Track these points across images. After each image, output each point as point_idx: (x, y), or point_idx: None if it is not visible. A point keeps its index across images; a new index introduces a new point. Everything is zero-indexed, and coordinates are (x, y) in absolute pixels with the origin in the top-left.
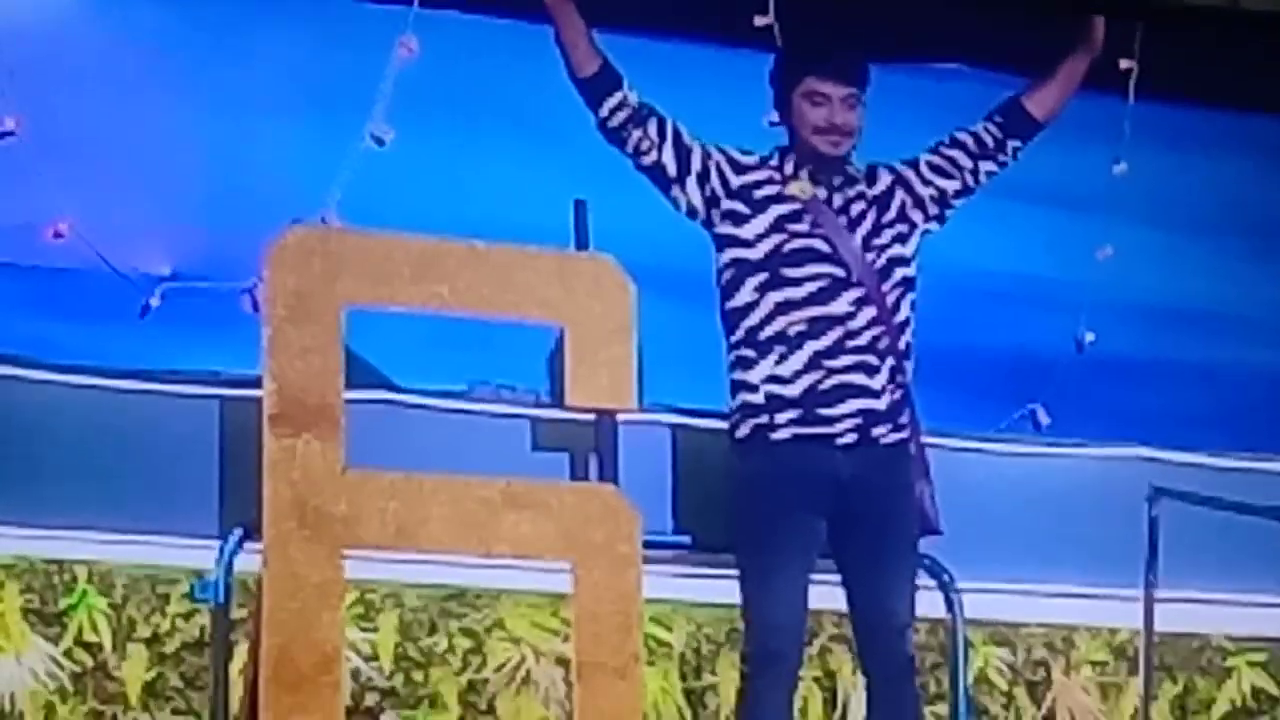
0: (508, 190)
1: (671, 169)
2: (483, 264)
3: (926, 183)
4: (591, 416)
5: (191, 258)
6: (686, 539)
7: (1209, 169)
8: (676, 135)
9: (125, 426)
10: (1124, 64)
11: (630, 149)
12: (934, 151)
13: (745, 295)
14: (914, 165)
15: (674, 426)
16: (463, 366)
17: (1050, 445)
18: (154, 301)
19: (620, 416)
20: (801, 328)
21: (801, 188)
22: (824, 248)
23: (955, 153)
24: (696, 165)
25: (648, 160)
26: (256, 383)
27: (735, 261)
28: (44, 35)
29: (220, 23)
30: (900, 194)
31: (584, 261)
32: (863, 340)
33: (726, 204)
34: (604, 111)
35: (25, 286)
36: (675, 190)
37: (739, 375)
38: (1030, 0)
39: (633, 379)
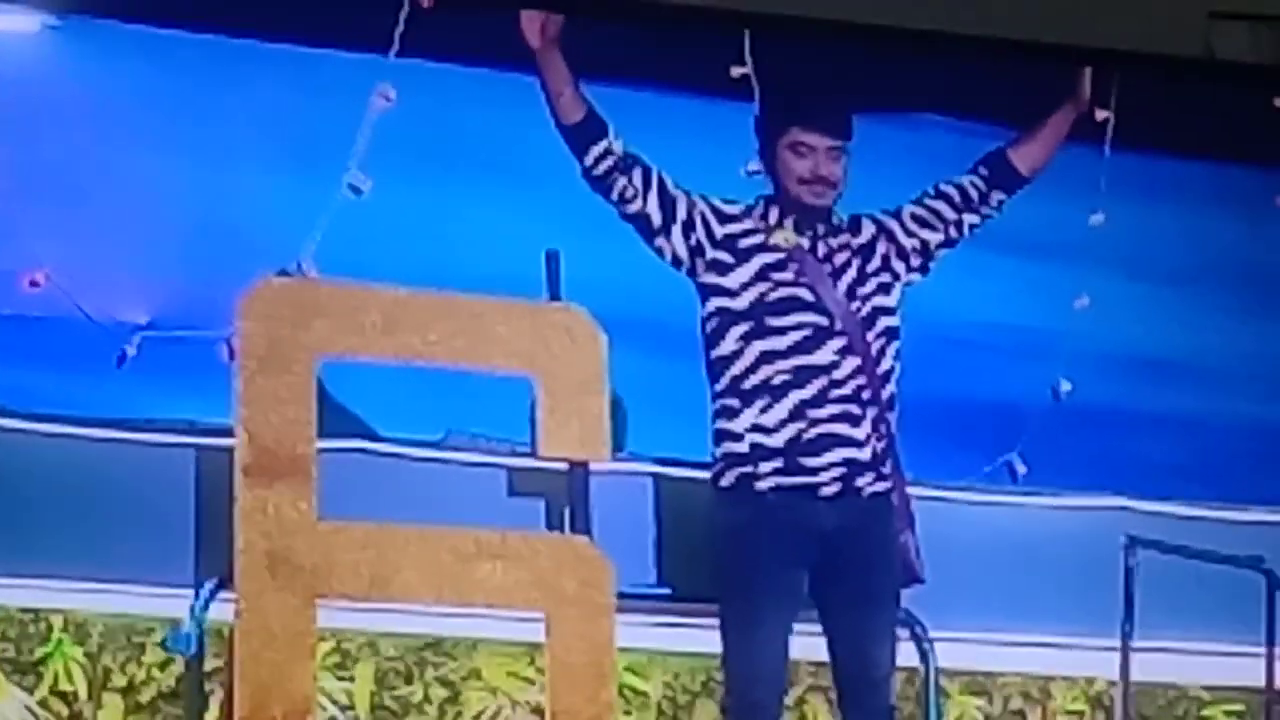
0: (485, 239)
1: (656, 219)
2: (455, 314)
3: (910, 234)
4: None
5: (169, 307)
6: (661, 589)
7: (1186, 220)
8: (661, 184)
9: (101, 476)
10: (1100, 115)
11: (615, 197)
12: (917, 203)
13: (729, 344)
14: (897, 216)
15: (651, 476)
16: (440, 415)
17: (1027, 495)
18: (131, 350)
19: (597, 466)
20: (786, 377)
21: (785, 236)
22: (808, 296)
23: (939, 204)
24: (681, 215)
25: (632, 209)
26: (231, 432)
27: (719, 311)
28: (19, 85)
29: (198, 72)
30: (884, 244)
31: (555, 312)
32: (847, 390)
33: (711, 253)
34: (589, 159)
35: (1, 335)
36: (660, 240)
37: (723, 424)
38: (1009, 51)
39: (605, 429)
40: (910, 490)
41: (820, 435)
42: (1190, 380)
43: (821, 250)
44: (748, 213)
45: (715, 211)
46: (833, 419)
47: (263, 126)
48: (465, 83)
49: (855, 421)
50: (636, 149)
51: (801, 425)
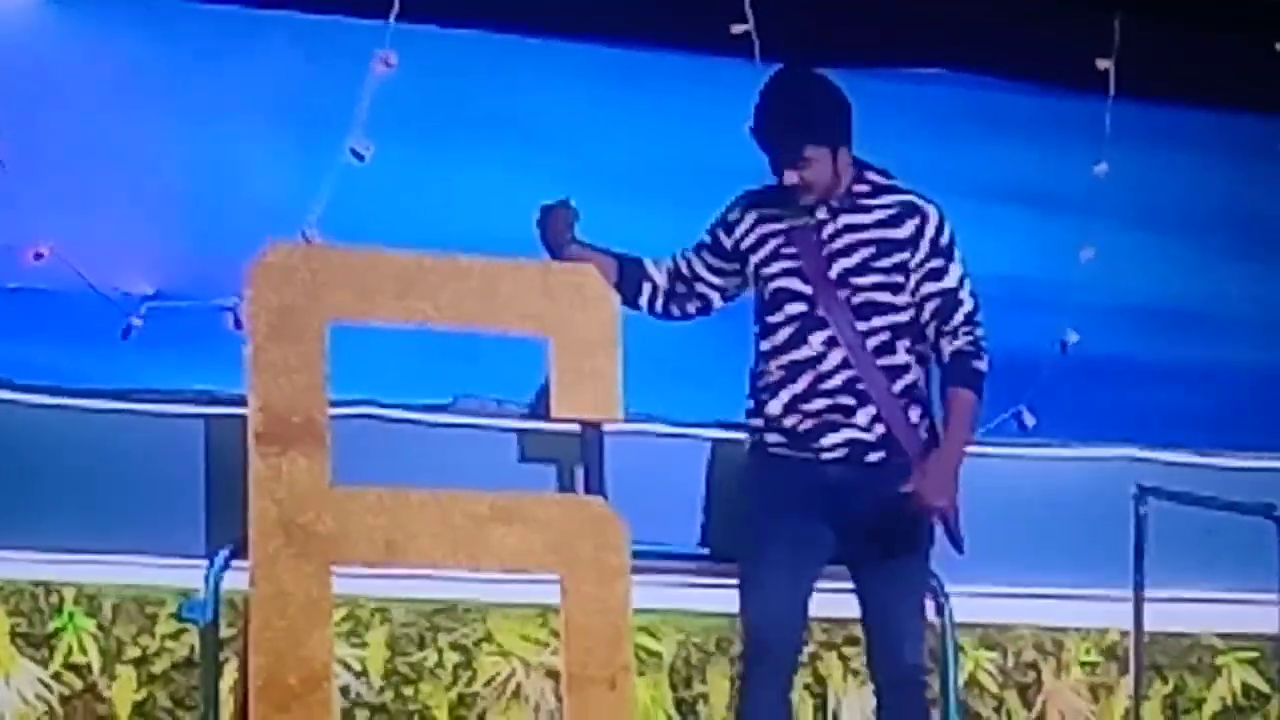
0: (490, 202)
1: (716, 299)
2: (465, 278)
3: (917, 287)
4: (577, 428)
5: (174, 277)
6: (675, 547)
7: (1190, 168)
8: (692, 272)
9: (110, 447)
10: (1102, 64)
11: (680, 316)
12: (936, 316)
13: (755, 346)
14: (934, 274)
15: (665, 436)
16: (450, 379)
17: (1036, 446)
18: (137, 321)
19: (610, 427)
20: (781, 373)
21: (793, 212)
22: (797, 286)
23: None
24: (713, 275)
25: (700, 311)
26: (241, 401)
27: (754, 314)
28: (21, 57)
29: (199, 41)
30: (908, 253)
31: (567, 273)
32: (836, 382)
33: (732, 268)
34: (644, 307)
35: (7, 308)
36: (723, 299)
37: (749, 407)
38: (1009, 4)
39: (618, 390)
40: None
41: (816, 425)
42: (1197, 329)
43: (828, 230)
44: (763, 195)
45: (713, 242)
46: (825, 411)
47: (265, 94)
48: (466, 45)
49: (849, 412)
50: (640, 109)
51: (796, 419)
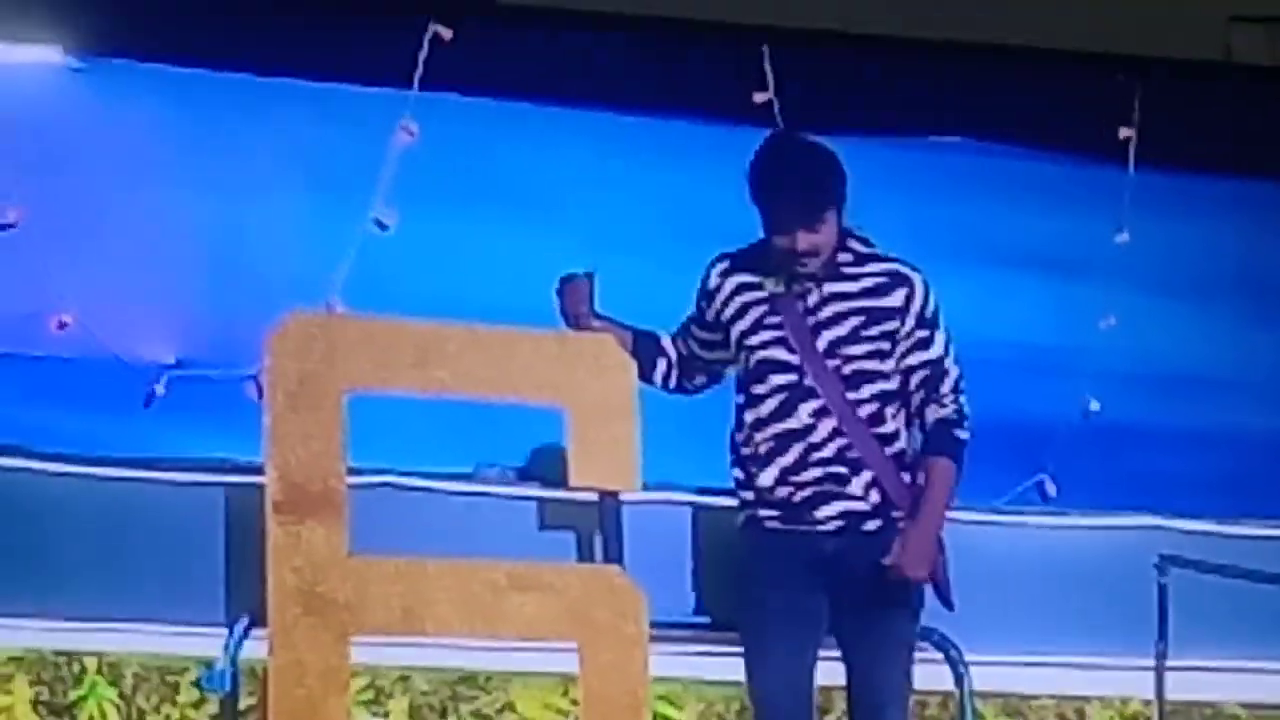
0: (511, 270)
1: (720, 368)
2: (483, 347)
3: (904, 356)
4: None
5: (196, 346)
6: (693, 618)
7: (1210, 235)
8: (688, 348)
9: (132, 516)
10: (1124, 133)
11: (693, 390)
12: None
13: (739, 415)
14: (922, 343)
15: (683, 505)
16: (469, 448)
17: (1058, 515)
18: (159, 390)
19: (628, 496)
20: (770, 444)
21: (776, 280)
22: (783, 356)
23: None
24: (706, 349)
25: (710, 383)
26: (261, 469)
27: (736, 383)
28: (45, 126)
29: (221, 110)
30: (896, 322)
31: (584, 342)
32: (827, 452)
33: (719, 339)
34: (658, 384)
35: (30, 377)
36: (725, 368)
37: (736, 478)
38: (1025, 62)
39: (635, 459)
40: None
41: (809, 496)
42: (1219, 396)
43: (814, 298)
44: (745, 256)
45: (699, 315)
46: (818, 481)
47: (287, 163)
48: (488, 115)
49: (842, 481)
50: (661, 178)
51: (789, 490)
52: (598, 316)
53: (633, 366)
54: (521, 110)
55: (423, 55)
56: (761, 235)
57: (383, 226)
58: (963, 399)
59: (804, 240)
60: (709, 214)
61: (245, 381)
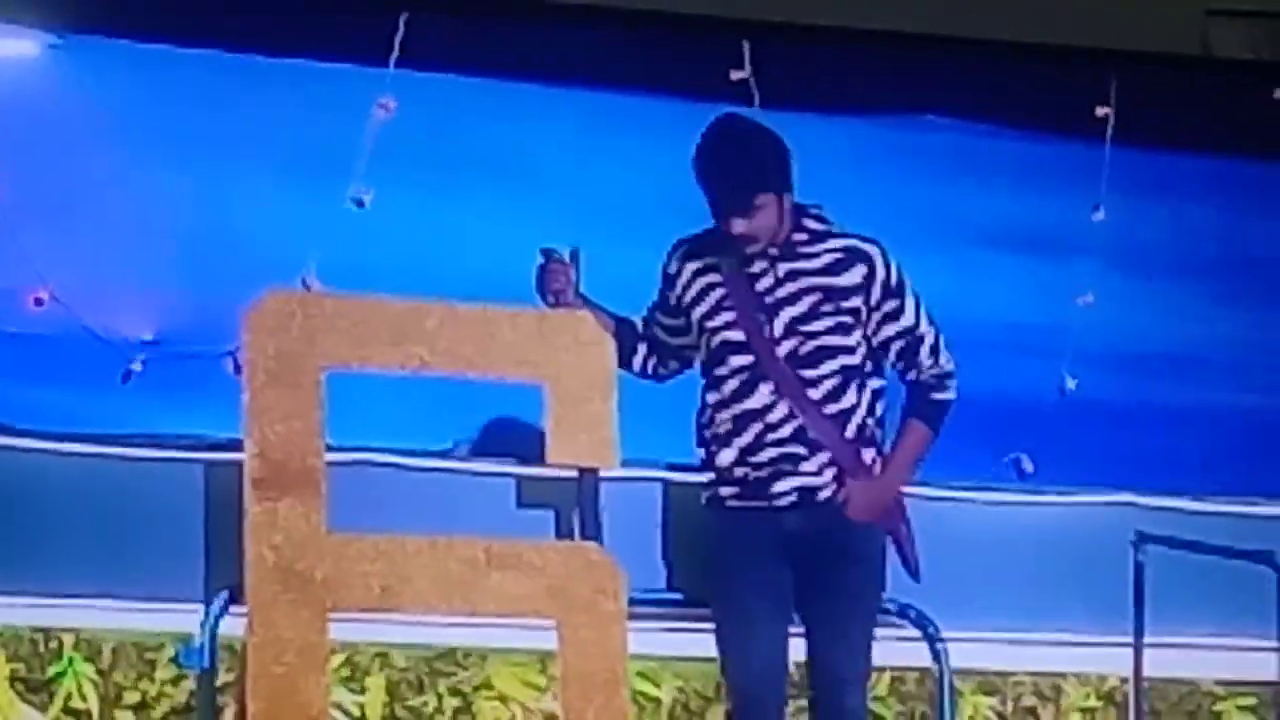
0: (489, 247)
1: (688, 354)
2: (461, 324)
3: (876, 330)
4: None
5: (173, 322)
6: (672, 594)
7: (1187, 214)
8: (653, 334)
9: (109, 492)
10: (1100, 111)
11: (667, 376)
12: (895, 340)
13: (701, 397)
14: (891, 315)
15: (660, 482)
16: (447, 426)
17: (1035, 493)
18: (136, 367)
19: (607, 472)
20: (729, 425)
21: (730, 262)
22: (739, 337)
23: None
24: (671, 335)
25: (682, 368)
26: (239, 446)
27: (700, 367)
28: (21, 103)
29: (198, 88)
30: (860, 299)
31: (563, 319)
32: (783, 432)
33: (681, 324)
34: (637, 371)
35: (6, 354)
36: (694, 353)
37: (701, 457)
38: (1009, 53)
39: (613, 436)
40: (917, 490)
41: (766, 475)
42: (1196, 374)
43: (770, 278)
44: (703, 239)
45: (661, 300)
46: (773, 461)
47: (264, 140)
48: (465, 91)
49: (798, 460)
50: (637, 156)
51: (746, 469)
52: (583, 300)
53: (611, 344)
54: (498, 87)
55: (400, 32)
56: None
57: (360, 204)
58: (943, 358)
59: (738, 225)
60: (686, 191)
61: (223, 358)
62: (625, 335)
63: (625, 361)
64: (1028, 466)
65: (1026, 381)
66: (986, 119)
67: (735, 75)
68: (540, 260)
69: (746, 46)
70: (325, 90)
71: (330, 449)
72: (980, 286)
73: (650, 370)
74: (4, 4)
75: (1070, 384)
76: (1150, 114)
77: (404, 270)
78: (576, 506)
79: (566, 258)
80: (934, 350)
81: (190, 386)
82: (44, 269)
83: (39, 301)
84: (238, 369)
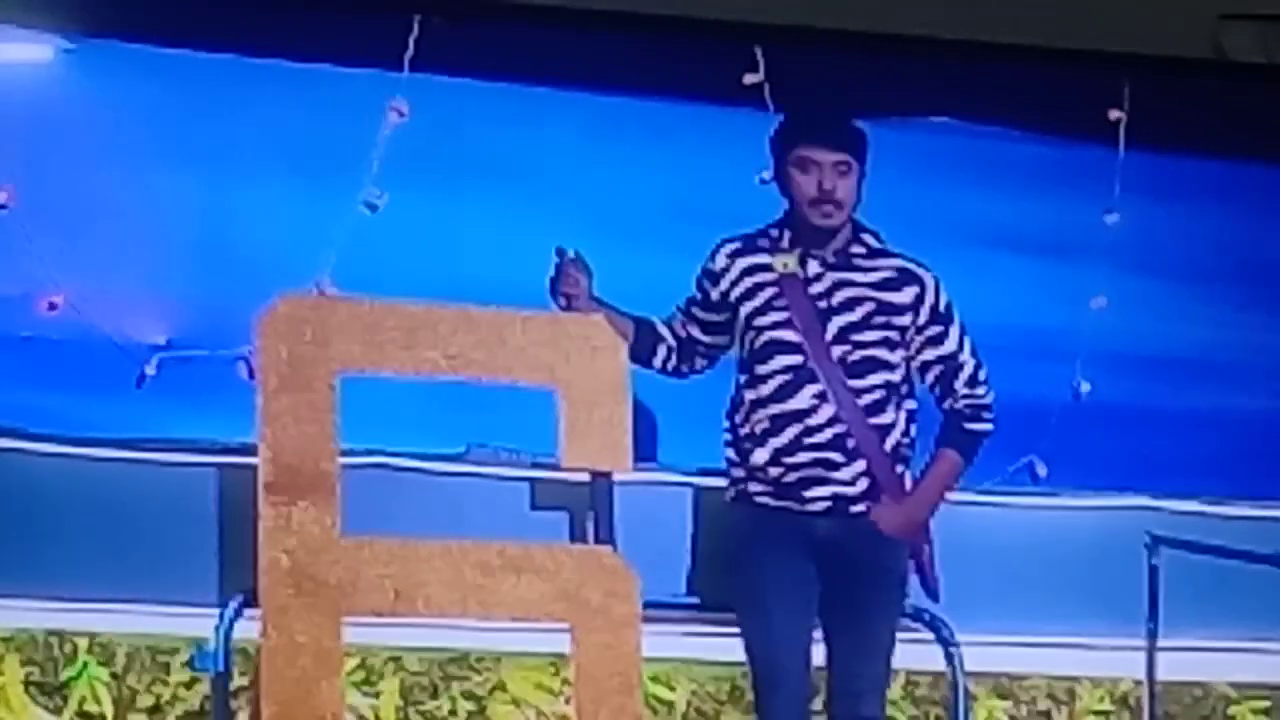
0: (502, 251)
1: (717, 353)
2: (475, 328)
3: (918, 352)
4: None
5: (187, 326)
6: (686, 598)
7: (1200, 217)
8: (687, 331)
9: (123, 496)
10: (1113, 115)
11: (690, 374)
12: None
13: (738, 395)
14: (935, 339)
15: (675, 485)
16: (461, 429)
17: (1048, 496)
18: (150, 371)
19: (621, 476)
20: (765, 425)
21: (785, 262)
22: (789, 337)
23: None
24: (707, 332)
25: (707, 367)
26: (253, 450)
27: (738, 364)
28: (34, 107)
29: (211, 92)
30: (909, 318)
31: (576, 323)
32: (823, 437)
33: (722, 320)
34: (657, 368)
35: (21, 358)
36: (722, 352)
37: (729, 457)
38: (1016, 55)
39: (627, 439)
40: None
41: (800, 479)
42: (1208, 377)
43: (824, 284)
44: (749, 244)
45: (702, 296)
46: (810, 464)
47: (277, 144)
48: (478, 95)
49: (834, 466)
50: (652, 160)
51: (780, 470)
52: (597, 301)
53: (624, 347)
54: (511, 91)
55: (413, 35)
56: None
57: (373, 208)
58: (980, 390)
59: (830, 175)
60: (700, 195)
61: (236, 362)
62: (644, 334)
63: (645, 360)
64: (1041, 470)
65: (1040, 385)
66: (999, 122)
67: (749, 79)
68: (555, 261)
69: (760, 51)
70: (338, 94)
71: (344, 453)
72: (993, 290)
73: (672, 368)
74: (17, 8)
75: (1084, 387)
76: (1163, 117)
77: (417, 274)
78: (590, 510)
79: (578, 261)
80: (971, 381)
81: (204, 390)
82: (57, 273)
83: (52, 306)
84: (251, 373)
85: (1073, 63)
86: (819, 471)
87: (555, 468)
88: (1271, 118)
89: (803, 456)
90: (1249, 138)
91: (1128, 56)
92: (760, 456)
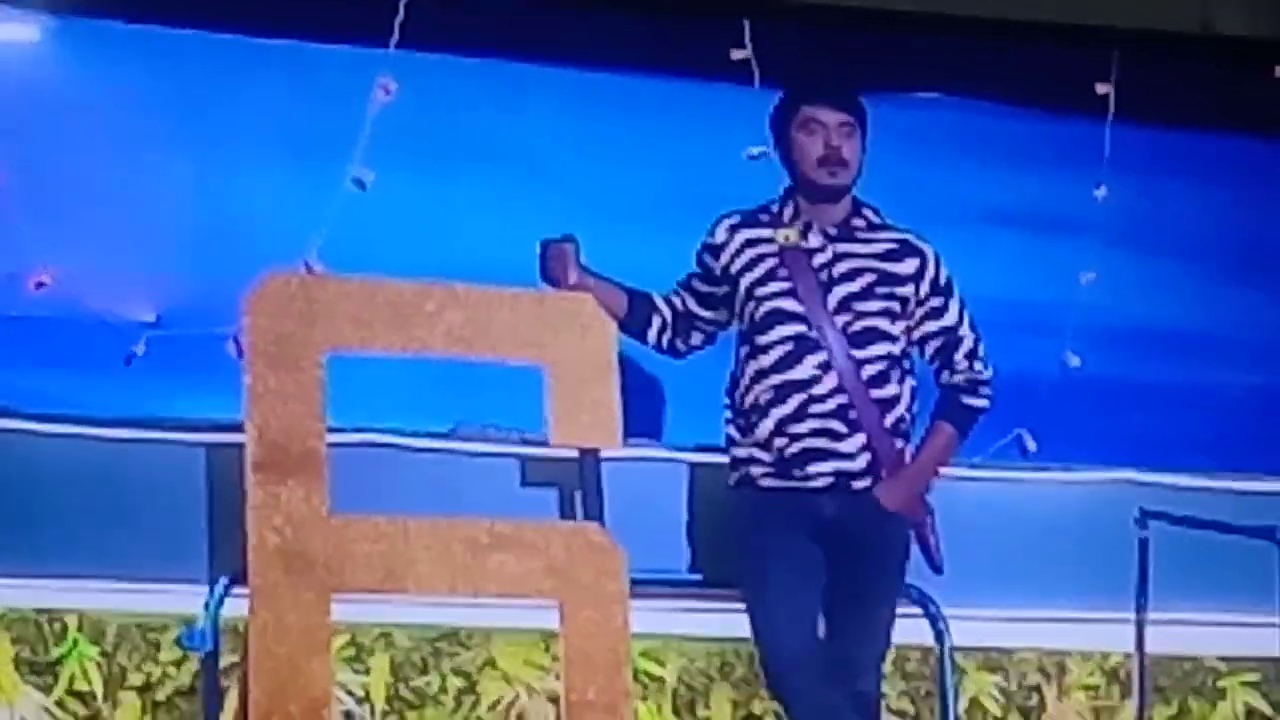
0: (490, 229)
1: (716, 329)
2: (462, 306)
3: (918, 324)
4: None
5: (175, 305)
6: (675, 574)
7: (1189, 191)
8: (686, 306)
9: (112, 475)
10: (1101, 89)
11: (686, 351)
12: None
13: (739, 368)
14: (935, 312)
15: (664, 461)
16: (449, 407)
17: (1037, 470)
18: (138, 349)
19: (609, 453)
20: (769, 395)
21: (787, 235)
22: (791, 307)
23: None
24: (707, 307)
25: (705, 343)
26: (241, 429)
27: (739, 337)
28: (23, 87)
29: (198, 70)
30: (910, 289)
31: (564, 301)
32: (828, 406)
33: (723, 293)
34: (651, 343)
35: (9, 337)
36: (722, 328)
37: (730, 435)
38: (1009, 30)
39: (616, 417)
40: None
41: (803, 450)
42: (1198, 351)
43: (827, 254)
44: (754, 215)
45: (702, 274)
46: (813, 434)
47: (264, 122)
48: (465, 73)
49: (837, 437)
50: (639, 136)
51: (783, 441)
52: (589, 273)
53: (612, 325)
54: (499, 68)
55: (400, 13)
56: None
57: (361, 185)
58: (979, 365)
59: (836, 134)
60: (687, 172)
61: (225, 340)
62: (639, 306)
63: (639, 333)
64: (1030, 444)
65: (1028, 359)
66: (987, 97)
67: (736, 55)
68: (538, 252)
69: (747, 25)
70: (325, 72)
71: (332, 430)
72: (982, 264)
73: (666, 344)
74: None
75: (1073, 361)
76: (1152, 91)
77: (405, 252)
78: (579, 487)
79: (566, 240)
80: (970, 355)
81: (192, 369)
82: (45, 252)
83: (40, 285)
84: (239, 351)
85: (1061, 37)
86: (823, 442)
87: (544, 444)
88: (1260, 91)
89: (806, 425)
90: (1237, 112)
91: (1116, 30)
92: (765, 427)
